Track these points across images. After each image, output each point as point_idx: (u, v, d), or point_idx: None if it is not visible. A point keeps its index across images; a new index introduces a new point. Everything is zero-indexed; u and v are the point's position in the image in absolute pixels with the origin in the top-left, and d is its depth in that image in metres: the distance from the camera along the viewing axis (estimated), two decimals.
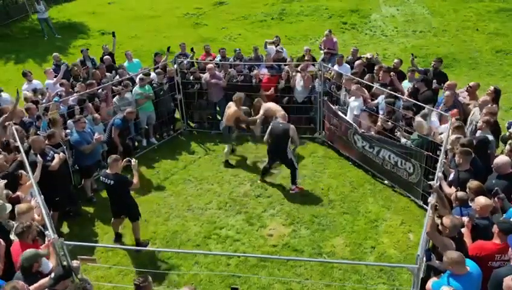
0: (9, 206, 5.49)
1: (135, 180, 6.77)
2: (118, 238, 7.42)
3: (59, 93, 9.27)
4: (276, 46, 11.68)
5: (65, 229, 7.73)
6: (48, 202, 6.83)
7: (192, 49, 11.59)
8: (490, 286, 4.38)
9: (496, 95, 7.91)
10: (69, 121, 8.48)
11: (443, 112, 7.76)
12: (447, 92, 8.06)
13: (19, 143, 6.81)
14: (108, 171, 6.71)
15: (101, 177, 6.81)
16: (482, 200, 5.25)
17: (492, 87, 8.01)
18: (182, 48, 11.78)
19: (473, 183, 5.59)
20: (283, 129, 8.18)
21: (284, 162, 8.52)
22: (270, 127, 8.46)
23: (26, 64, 15.18)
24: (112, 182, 6.64)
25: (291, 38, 16.40)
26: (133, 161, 6.91)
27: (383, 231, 7.38)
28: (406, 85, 9.23)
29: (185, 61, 10.72)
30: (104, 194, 7.81)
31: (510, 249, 4.57)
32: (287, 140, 8.18)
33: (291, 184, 8.43)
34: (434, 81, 9.19)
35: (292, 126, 8.25)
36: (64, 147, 7.85)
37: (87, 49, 12.26)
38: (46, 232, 4.66)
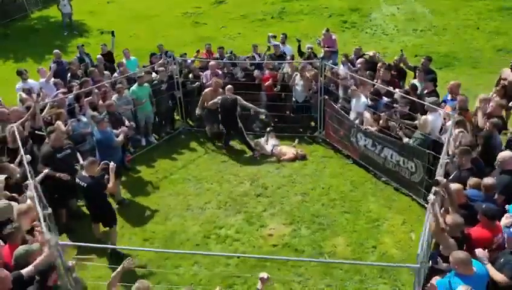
0: (15, 205, 5.45)
1: (110, 184, 6.60)
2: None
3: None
4: (282, 44, 11.66)
5: (77, 226, 7.60)
6: (52, 200, 6.86)
7: (198, 51, 11.61)
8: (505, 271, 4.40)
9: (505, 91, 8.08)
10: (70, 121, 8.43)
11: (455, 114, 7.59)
12: (462, 97, 7.77)
13: (19, 143, 6.71)
14: (84, 173, 6.57)
15: (76, 178, 6.64)
16: (453, 186, 5.41)
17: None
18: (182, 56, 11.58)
19: (472, 181, 5.67)
20: (231, 100, 9.27)
21: (235, 131, 9.59)
22: (220, 101, 9.41)
23: (24, 63, 15.11)
24: (85, 184, 6.45)
25: (291, 37, 16.28)
26: (111, 164, 6.68)
27: (384, 230, 7.30)
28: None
29: (189, 60, 10.71)
30: None
31: (504, 236, 4.64)
32: (235, 110, 9.33)
33: (252, 152, 9.54)
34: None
35: (239, 97, 9.36)
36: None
37: (83, 45, 12.22)
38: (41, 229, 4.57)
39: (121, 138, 7.99)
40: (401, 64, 9.90)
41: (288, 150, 9.44)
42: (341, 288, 6.21)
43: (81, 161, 7.52)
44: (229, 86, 9.40)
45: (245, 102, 9.48)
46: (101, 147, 7.93)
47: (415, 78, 9.49)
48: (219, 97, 9.43)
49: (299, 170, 9.02)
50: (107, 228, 7.02)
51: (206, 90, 9.82)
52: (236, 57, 11.34)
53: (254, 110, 9.89)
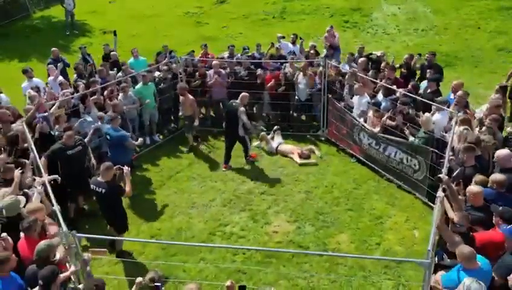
0: (23, 199, 5.52)
1: (127, 188, 6.52)
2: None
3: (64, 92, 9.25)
4: (293, 44, 11.74)
5: (80, 225, 7.56)
6: (64, 194, 6.96)
7: (205, 45, 11.78)
8: (496, 271, 4.42)
9: (503, 91, 8.18)
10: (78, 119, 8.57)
11: (455, 111, 7.71)
12: (460, 92, 8.00)
13: (30, 141, 6.78)
14: (99, 178, 6.44)
15: (91, 185, 6.54)
16: (474, 188, 5.40)
17: (497, 86, 8.28)
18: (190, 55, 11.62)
19: (478, 178, 5.70)
20: (234, 108, 8.83)
21: (238, 139, 9.11)
22: (227, 105, 9.19)
23: (29, 62, 15.16)
24: (104, 190, 6.34)
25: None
26: (125, 169, 6.61)
27: (387, 227, 7.38)
28: (424, 86, 9.21)
29: (196, 59, 10.84)
30: None
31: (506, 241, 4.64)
32: (237, 118, 8.81)
33: (245, 158, 9.29)
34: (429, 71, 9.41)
35: (242, 108, 8.79)
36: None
37: (85, 47, 12.32)
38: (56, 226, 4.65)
39: (140, 141, 8.42)
40: (412, 64, 10.03)
41: (292, 148, 9.50)
42: (345, 284, 6.28)
43: (92, 160, 7.65)
44: (244, 93, 9.03)
45: (245, 118, 8.81)
46: (115, 145, 8.04)
47: (420, 77, 9.65)
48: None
49: (303, 168, 9.10)
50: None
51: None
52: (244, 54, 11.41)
53: (251, 127, 9.26)
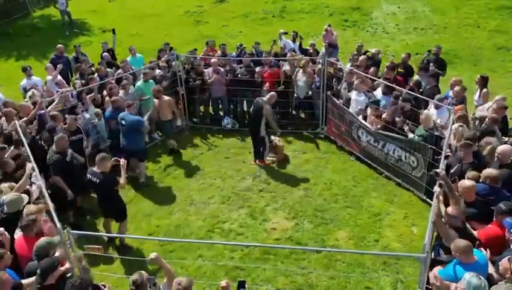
0: (26, 197, 5.54)
1: (122, 180, 6.61)
2: (110, 238, 7.20)
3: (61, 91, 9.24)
4: (293, 41, 11.72)
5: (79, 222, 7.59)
6: (63, 202, 6.91)
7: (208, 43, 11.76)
8: (496, 267, 4.41)
9: (484, 81, 8.54)
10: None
11: (452, 105, 7.76)
12: (457, 87, 8.22)
13: (22, 138, 6.80)
14: (95, 169, 6.56)
15: (87, 174, 6.64)
16: (466, 183, 5.37)
17: (478, 76, 8.71)
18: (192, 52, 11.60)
19: (470, 173, 5.71)
20: (259, 105, 8.66)
21: (256, 138, 8.95)
22: (253, 103, 8.98)
23: (27, 61, 15.18)
24: (98, 180, 6.48)
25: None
26: (122, 161, 6.69)
27: (386, 224, 7.38)
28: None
29: (198, 58, 10.82)
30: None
31: (507, 232, 4.62)
32: (260, 117, 8.63)
33: (257, 158, 9.06)
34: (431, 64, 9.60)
35: (267, 106, 8.55)
36: (83, 135, 8.03)
37: (79, 45, 12.34)
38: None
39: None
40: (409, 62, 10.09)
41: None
42: (344, 280, 6.29)
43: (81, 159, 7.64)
44: (273, 93, 8.94)
45: (271, 117, 8.73)
46: (129, 131, 8.13)
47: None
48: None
49: (301, 165, 9.10)
50: (117, 224, 7.11)
51: None
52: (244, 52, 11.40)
53: (276, 127, 9.08)
